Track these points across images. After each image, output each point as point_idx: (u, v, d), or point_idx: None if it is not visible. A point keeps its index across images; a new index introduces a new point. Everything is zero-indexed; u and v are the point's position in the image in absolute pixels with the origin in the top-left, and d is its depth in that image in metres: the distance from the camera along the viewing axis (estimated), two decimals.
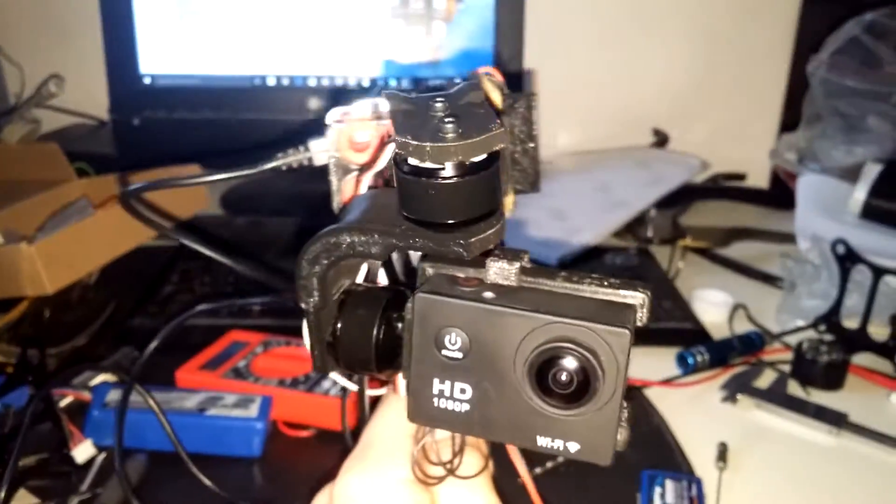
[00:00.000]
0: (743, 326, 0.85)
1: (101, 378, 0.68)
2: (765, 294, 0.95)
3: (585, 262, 0.99)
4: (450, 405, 0.29)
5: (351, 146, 0.40)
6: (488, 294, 0.29)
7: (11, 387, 0.60)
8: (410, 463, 0.32)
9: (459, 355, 0.29)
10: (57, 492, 0.57)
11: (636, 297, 0.28)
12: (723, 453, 0.65)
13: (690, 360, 0.78)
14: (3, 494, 0.53)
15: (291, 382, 0.67)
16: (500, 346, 0.28)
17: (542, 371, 0.28)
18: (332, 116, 0.42)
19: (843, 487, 0.64)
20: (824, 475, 0.65)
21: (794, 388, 0.76)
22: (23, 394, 0.60)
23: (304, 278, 0.32)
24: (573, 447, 0.28)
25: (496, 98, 0.39)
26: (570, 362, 0.27)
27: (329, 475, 0.34)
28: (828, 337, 0.83)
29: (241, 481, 0.60)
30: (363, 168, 0.39)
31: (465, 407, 0.29)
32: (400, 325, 0.32)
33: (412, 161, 0.29)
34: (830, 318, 0.84)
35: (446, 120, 0.29)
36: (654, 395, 0.74)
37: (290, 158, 0.44)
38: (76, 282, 0.80)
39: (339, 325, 0.33)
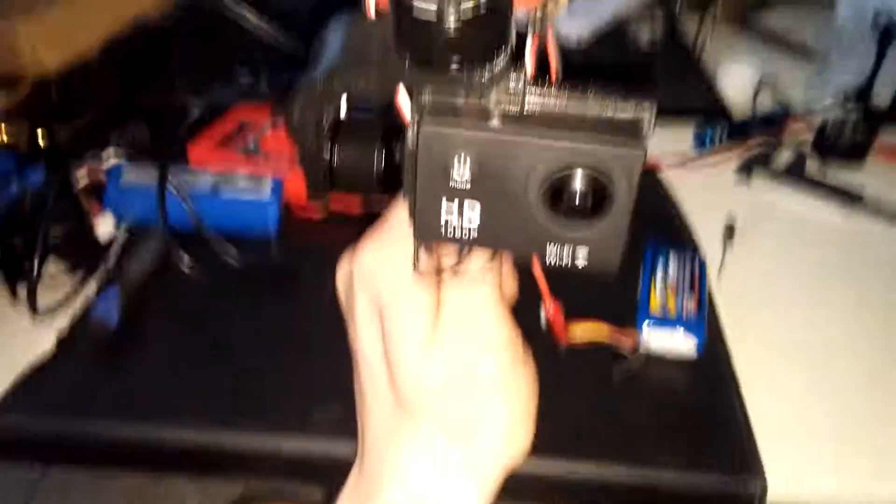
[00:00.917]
0: (769, 106, 0.82)
1: (114, 154, 0.69)
2: (795, 69, 0.91)
3: (611, 36, 0.95)
4: (458, 223, 0.29)
5: None
6: (494, 122, 0.28)
7: (24, 166, 0.60)
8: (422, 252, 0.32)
9: (467, 184, 0.28)
10: (84, 262, 0.59)
11: (642, 112, 0.28)
12: (730, 230, 0.65)
13: (707, 138, 0.76)
14: (36, 263, 0.55)
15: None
16: (510, 173, 0.28)
17: (556, 193, 0.28)
18: None
19: (851, 266, 0.65)
20: (832, 254, 0.66)
21: (813, 168, 0.75)
22: (36, 173, 0.61)
23: (298, 129, 0.30)
24: (581, 257, 0.29)
25: None
26: (583, 184, 0.27)
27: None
28: (855, 116, 0.80)
29: (257, 257, 0.63)
30: None
31: (475, 224, 0.29)
32: (398, 153, 0.31)
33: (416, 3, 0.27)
34: (861, 96, 0.81)
35: None
36: (666, 175, 0.74)
37: None
38: (79, 59, 0.77)
39: (335, 159, 0.31)
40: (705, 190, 0.73)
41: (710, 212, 0.69)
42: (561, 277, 0.30)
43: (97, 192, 0.63)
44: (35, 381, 0.51)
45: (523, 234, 0.29)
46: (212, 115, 0.76)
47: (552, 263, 0.29)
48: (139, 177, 0.63)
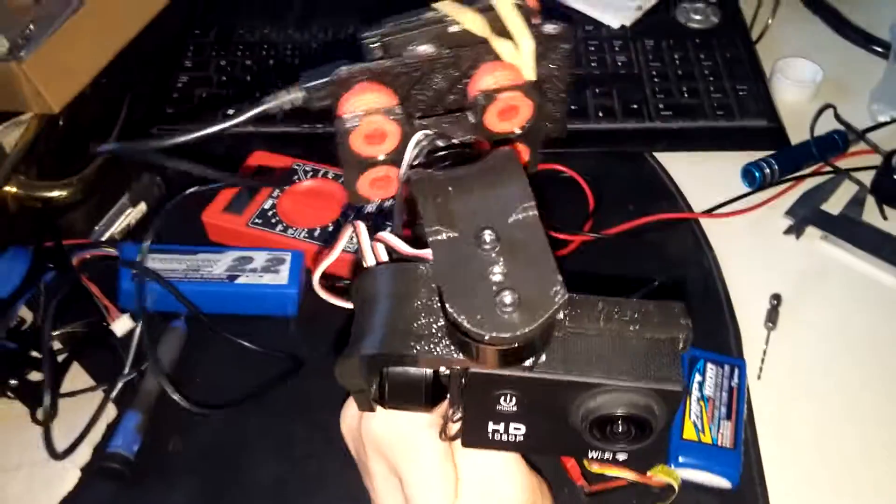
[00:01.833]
0: (828, 117, 0.75)
1: (124, 225, 0.66)
2: (865, 69, 0.82)
3: (657, 13, 0.85)
4: (504, 437, 0.30)
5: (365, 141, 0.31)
6: (538, 358, 0.28)
7: (37, 266, 0.58)
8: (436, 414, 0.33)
9: (513, 409, 0.29)
10: (105, 365, 0.59)
11: (678, 329, 0.28)
12: (774, 309, 0.61)
13: (758, 176, 0.70)
14: (48, 399, 0.54)
15: (321, 233, 0.63)
16: (554, 404, 0.28)
17: (598, 424, 0.28)
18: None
19: None
20: (884, 327, 0.62)
21: (871, 207, 0.69)
22: (48, 274, 0.59)
23: (343, 384, 0.30)
24: (622, 456, 0.30)
25: (519, 31, 0.29)
26: (625, 418, 0.28)
27: None
28: None
29: (278, 337, 0.61)
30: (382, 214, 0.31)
31: (520, 438, 0.30)
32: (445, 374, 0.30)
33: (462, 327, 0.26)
34: None
35: (503, 285, 0.26)
36: (709, 223, 0.69)
37: (282, 100, 0.35)
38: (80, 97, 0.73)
39: (384, 389, 0.30)
40: (750, 241, 0.68)
41: (754, 272, 0.65)
42: None
43: (107, 275, 0.61)
44: None
45: (568, 445, 0.30)
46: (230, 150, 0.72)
47: (593, 459, 0.31)
48: (152, 266, 0.61)
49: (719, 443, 0.52)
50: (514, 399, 0.28)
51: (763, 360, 0.59)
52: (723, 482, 0.52)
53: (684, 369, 0.56)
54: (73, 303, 0.60)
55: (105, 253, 0.62)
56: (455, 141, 0.31)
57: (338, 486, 0.53)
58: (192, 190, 0.57)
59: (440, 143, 0.31)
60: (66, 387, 0.58)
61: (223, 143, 0.74)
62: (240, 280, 0.61)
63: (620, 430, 0.28)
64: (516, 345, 0.26)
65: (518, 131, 0.31)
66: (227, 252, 0.62)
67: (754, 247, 0.67)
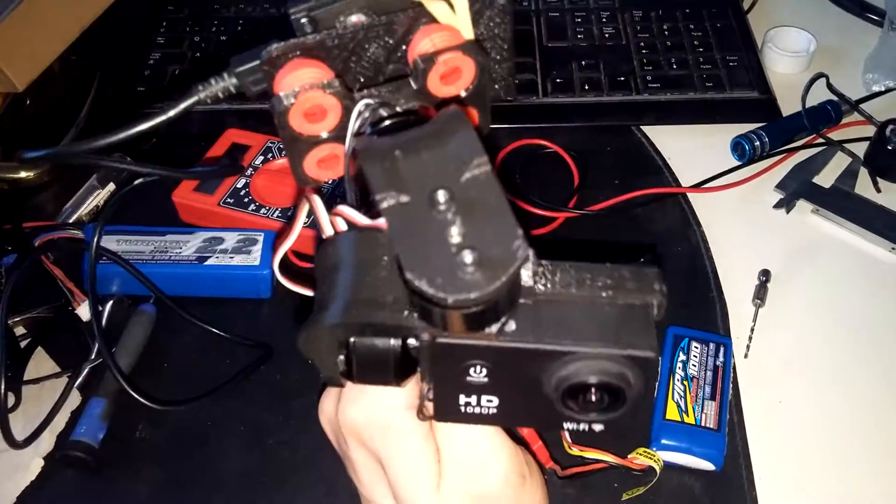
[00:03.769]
0: (821, 87, 0.72)
1: (92, 206, 0.64)
2: (860, 38, 0.79)
3: None
4: (476, 410, 0.30)
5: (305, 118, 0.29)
6: (507, 327, 0.27)
7: None
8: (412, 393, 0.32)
9: (485, 380, 0.28)
10: (71, 351, 0.57)
11: (651, 295, 0.27)
12: (763, 285, 0.59)
13: (748, 149, 0.68)
14: (2, 387, 0.52)
15: (294, 214, 0.61)
16: (525, 373, 0.28)
17: (571, 392, 0.28)
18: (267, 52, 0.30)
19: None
20: (880, 307, 0.59)
21: (864, 179, 0.67)
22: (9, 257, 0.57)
23: (307, 355, 0.29)
24: (598, 428, 0.29)
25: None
26: (598, 385, 0.27)
27: None
28: None
29: (250, 320, 0.59)
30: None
31: (493, 410, 0.29)
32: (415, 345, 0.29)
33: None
34: None
35: (462, 245, 0.25)
36: (697, 197, 0.67)
37: (214, 89, 0.32)
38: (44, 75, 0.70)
39: (351, 363, 0.29)
40: (739, 216, 0.66)
41: (743, 248, 0.63)
42: None
43: (74, 258, 0.59)
44: None
45: (542, 415, 0.29)
46: (204, 128, 0.70)
47: (570, 430, 0.30)
48: (118, 248, 0.59)
49: (703, 424, 0.51)
50: (484, 370, 0.28)
51: (750, 339, 0.57)
52: (706, 464, 0.50)
53: (667, 345, 0.54)
54: (37, 287, 0.58)
55: (70, 235, 0.60)
56: (399, 109, 0.29)
57: (310, 473, 0.51)
58: (138, 182, 0.55)
59: (384, 113, 0.29)
60: (30, 373, 0.56)
61: (195, 122, 0.72)
62: (210, 262, 0.59)
63: (594, 398, 0.27)
64: (481, 307, 0.25)
65: (463, 94, 0.29)
66: (197, 233, 0.60)
67: (743, 221, 0.65)
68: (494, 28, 0.30)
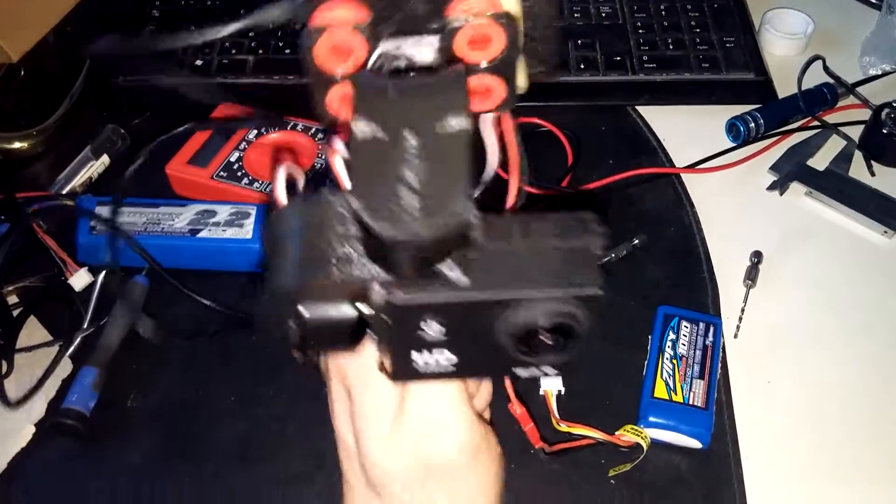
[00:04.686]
0: (817, 71, 0.72)
1: (85, 177, 0.64)
2: (858, 20, 0.79)
3: None
4: (432, 366, 0.30)
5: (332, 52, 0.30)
6: (455, 275, 0.28)
7: None
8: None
9: (438, 336, 0.29)
10: (63, 321, 0.57)
11: (592, 238, 0.29)
12: (754, 266, 0.60)
13: (742, 130, 0.68)
14: None
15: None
16: (478, 324, 0.28)
17: (523, 337, 0.29)
18: None
19: (887, 305, 0.59)
20: (872, 290, 0.60)
21: (858, 163, 0.67)
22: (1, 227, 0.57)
23: (269, 326, 0.30)
24: (548, 371, 0.31)
25: None
26: (552, 328, 0.28)
27: None
28: None
29: (243, 291, 0.59)
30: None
31: (448, 367, 0.30)
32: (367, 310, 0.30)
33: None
34: None
35: (410, 185, 0.25)
36: (690, 178, 0.67)
37: (267, 14, 0.33)
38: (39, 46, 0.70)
39: (307, 334, 0.30)
40: (732, 197, 0.66)
41: (735, 229, 0.63)
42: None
43: (67, 228, 0.59)
44: (11, 478, 0.50)
45: (495, 365, 0.30)
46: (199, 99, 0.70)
47: (520, 376, 0.31)
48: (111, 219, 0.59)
49: (691, 402, 0.51)
50: (437, 326, 0.28)
51: (741, 319, 0.57)
52: (693, 442, 0.50)
53: (657, 324, 0.55)
54: (30, 256, 0.58)
55: (63, 205, 0.60)
56: (418, 63, 0.29)
57: (300, 446, 0.51)
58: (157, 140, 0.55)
59: (402, 63, 0.29)
60: (22, 342, 0.56)
61: (190, 95, 0.72)
62: (202, 234, 0.59)
63: (548, 341, 0.28)
64: (424, 253, 0.26)
65: (486, 63, 0.29)
66: (190, 205, 0.60)
67: (736, 203, 0.65)
68: (535, 6, 0.30)
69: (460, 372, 0.31)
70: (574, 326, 0.28)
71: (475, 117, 0.29)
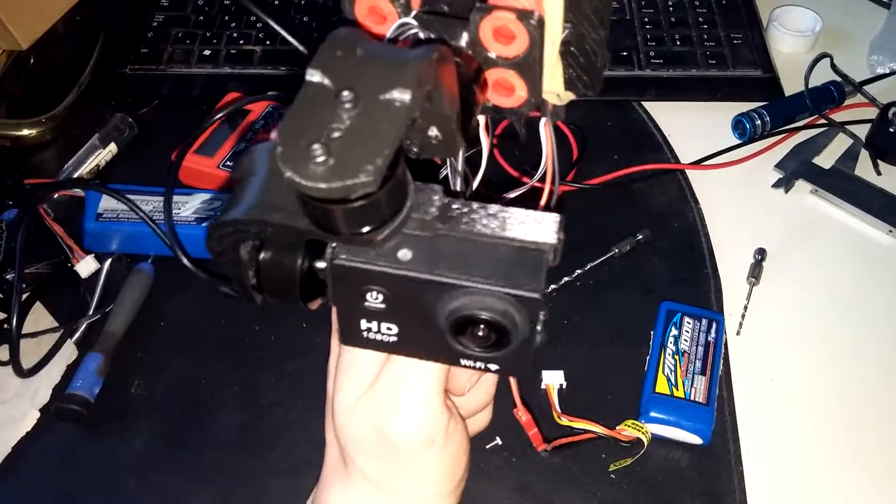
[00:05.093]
0: (824, 69, 0.72)
1: (93, 165, 0.65)
2: (866, 19, 0.79)
3: None
4: (378, 336, 0.31)
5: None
6: (403, 252, 0.29)
7: None
8: None
9: (382, 307, 0.30)
10: (68, 306, 0.57)
11: (548, 241, 0.29)
12: (758, 263, 0.60)
13: (748, 127, 0.68)
14: (14, 326, 0.53)
15: None
16: (418, 303, 0.29)
17: (460, 326, 0.29)
18: None
19: (891, 303, 0.59)
20: (877, 289, 0.60)
21: (865, 161, 0.67)
22: (9, 212, 0.57)
23: (218, 258, 0.30)
24: (493, 368, 0.31)
25: None
26: (485, 322, 0.29)
27: None
28: None
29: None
30: None
31: (393, 338, 0.31)
32: (320, 266, 0.31)
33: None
34: None
35: (328, 137, 0.25)
36: (696, 174, 0.67)
37: None
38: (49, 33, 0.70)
39: (260, 276, 0.30)
40: (737, 194, 0.66)
41: (740, 226, 0.63)
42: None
43: (74, 216, 0.60)
44: (15, 463, 0.51)
45: (438, 348, 0.31)
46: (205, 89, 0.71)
47: (466, 366, 0.31)
48: (118, 207, 0.59)
49: (692, 398, 0.51)
50: (380, 296, 0.29)
51: (744, 316, 0.57)
52: (694, 438, 0.50)
53: (659, 319, 0.55)
54: (37, 243, 0.58)
55: (71, 193, 0.60)
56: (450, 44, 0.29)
57: (302, 433, 0.52)
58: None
59: (421, 37, 0.29)
60: (28, 327, 0.57)
61: (197, 86, 0.72)
62: (208, 223, 0.59)
63: (480, 334, 0.29)
64: (355, 204, 0.26)
65: (506, 59, 0.29)
66: (196, 194, 0.61)
67: (741, 200, 0.65)
68: (587, 6, 0.30)
69: (403, 347, 0.31)
70: (507, 326, 0.28)
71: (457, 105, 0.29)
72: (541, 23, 0.29)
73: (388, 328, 0.30)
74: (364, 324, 0.30)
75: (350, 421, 0.32)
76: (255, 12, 0.71)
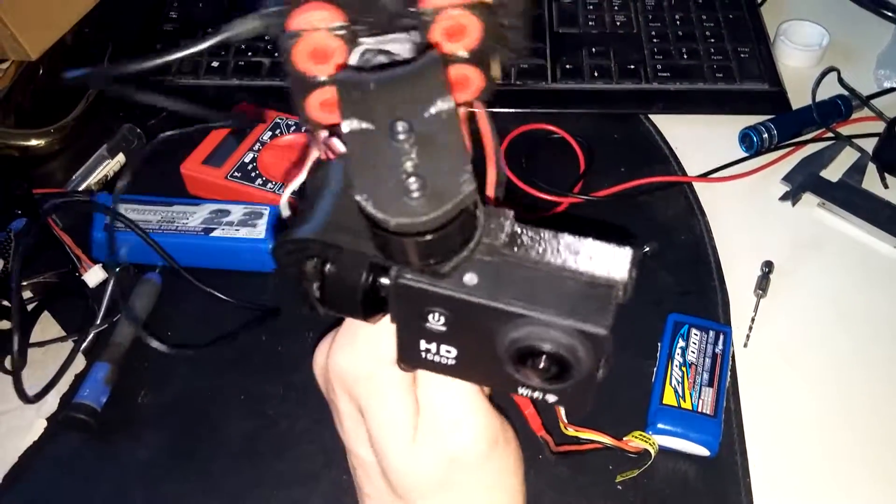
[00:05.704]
0: (831, 83, 0.72)
1: (101, 175, 0.65)
2: (873, 33, 0.79)
3: None
4: (436, 358, 0.31)
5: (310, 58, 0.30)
6: (469, 276, 0.28)
7: (4, 221, 0.57)
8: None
9: (443, 329, 0.29)
10: (77, 317, 0.58)
11: (619, 276, 0.28)
12: (765, 276, 0.60)
13: (756, 140, 0.68)
14: (16, 342, 0.53)
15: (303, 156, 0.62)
16: (480, 328, 0.29)
17: (521, 356, 0.28)
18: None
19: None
20: (884, 303, 0.59)
21: (872, 175, 0.67)
22: (18, 221, 0.58)
23: (283, 269, 0.30)
24: (551, 399, 0.30)
25: None
26: (547, 354, 0.28)
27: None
28: None
29: (255, 291, 0.60)
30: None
31: (452, 361, 0.31)
32: (384, 283, 0.30)
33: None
34: None
35: (410, 171, 0.25)
36: (703, 187, 0.67)
37: (239, 29, 0.33)
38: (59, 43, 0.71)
39: (324, 289, 0.30)
40: (744, 207, 0.66)
41: (747, 239, 0.63)
42: None
43: (82, 226, 0.60)
44: (22, 472, 0.51)
45: (497, 375, 0.30)
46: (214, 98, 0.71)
47: (523, 396, 0.31)
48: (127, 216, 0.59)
49: (699, 409, 0.51)
50: (442, 318, 0.29)
51: (751, 328, 0.57)
52: (701, 450, 0.50)
53: (667, 331, 0.55)
54: (45, 252, 0.59)
55: (79, 202, 0.61)
56: (398, 58, 0.30)
57: (309, 444, 0.52)
58: (167, 134, 0.56)
59: (383, 59, 0.29)
60: (36, 336, 0.57)
61: (206, 97, 0.73)
62: (215, 233, 0.59)
63: (541, 366, 0.28)
64: (428, 237, 0.26)
65: (464, 54, 0.29)
66: (203, 205, 0.61)
67: (748, 213, 0.65)
68: None
69: (460, 370, 0.31)
70: (569, 360, 0.27)
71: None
72: (487, 7, 0.29)
73: (448, 350, 0.30)
74: (423, 344, 0.30)
75: (415, 465, 0.32)
76: None
